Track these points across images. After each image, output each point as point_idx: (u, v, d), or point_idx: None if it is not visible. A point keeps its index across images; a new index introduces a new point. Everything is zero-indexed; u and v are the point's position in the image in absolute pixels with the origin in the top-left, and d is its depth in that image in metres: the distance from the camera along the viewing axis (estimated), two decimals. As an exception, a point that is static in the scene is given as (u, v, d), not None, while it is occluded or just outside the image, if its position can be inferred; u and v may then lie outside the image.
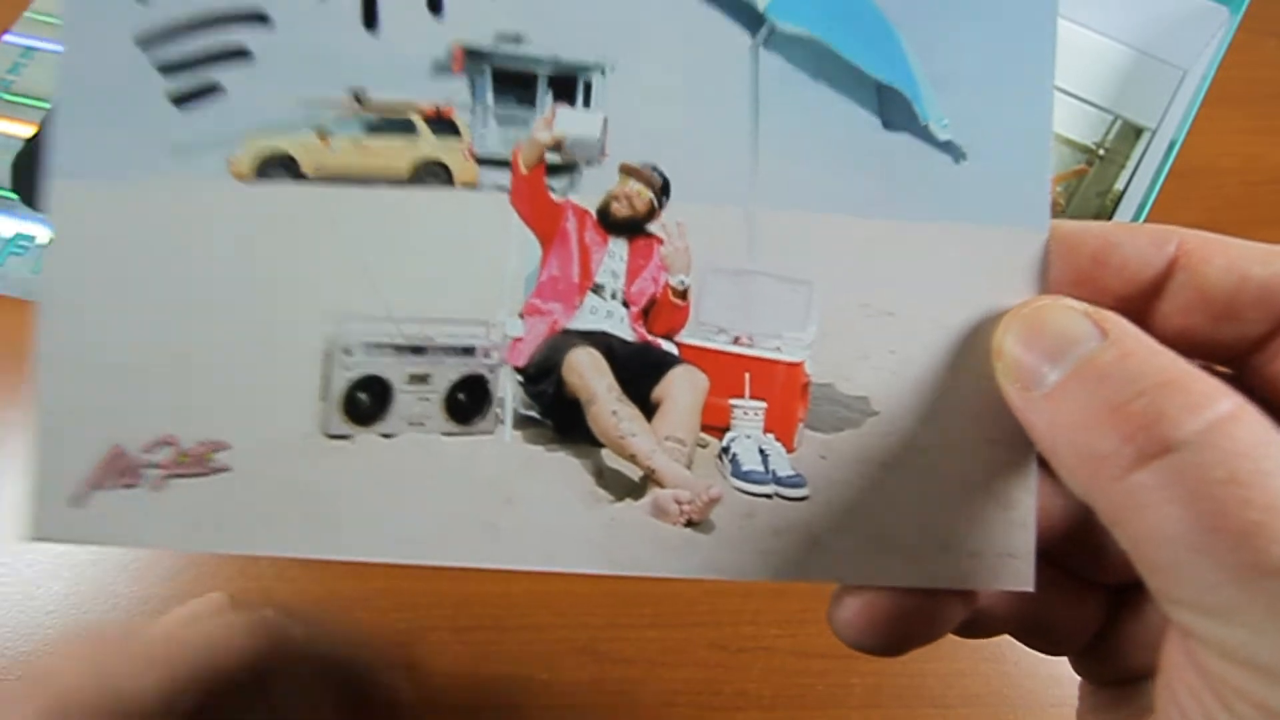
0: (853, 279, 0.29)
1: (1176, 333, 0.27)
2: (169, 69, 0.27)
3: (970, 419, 0.28)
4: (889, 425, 0.28)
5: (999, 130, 0.28)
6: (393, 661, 0.50)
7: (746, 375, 0.29)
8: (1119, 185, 0.64)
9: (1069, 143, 0.66)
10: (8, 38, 0.68)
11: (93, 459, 0.26)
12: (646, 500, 0.28)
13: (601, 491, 0.28)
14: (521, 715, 0.49)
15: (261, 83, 0.27)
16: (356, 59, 0.28)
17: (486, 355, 0.29)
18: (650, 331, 0.30)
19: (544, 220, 0.29)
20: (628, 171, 0.29)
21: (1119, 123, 0.67)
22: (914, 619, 0.28)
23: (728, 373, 0.29)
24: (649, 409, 0.29)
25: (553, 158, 0.29)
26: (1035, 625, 0.31)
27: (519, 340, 0.29)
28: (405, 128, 0.29)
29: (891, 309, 0.29)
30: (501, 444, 0.29)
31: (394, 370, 0.29)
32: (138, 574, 0.51)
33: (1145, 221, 0.62)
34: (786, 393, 0.29)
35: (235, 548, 0.27)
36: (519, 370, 0.29)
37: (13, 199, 0.62)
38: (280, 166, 0.28)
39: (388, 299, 0.28)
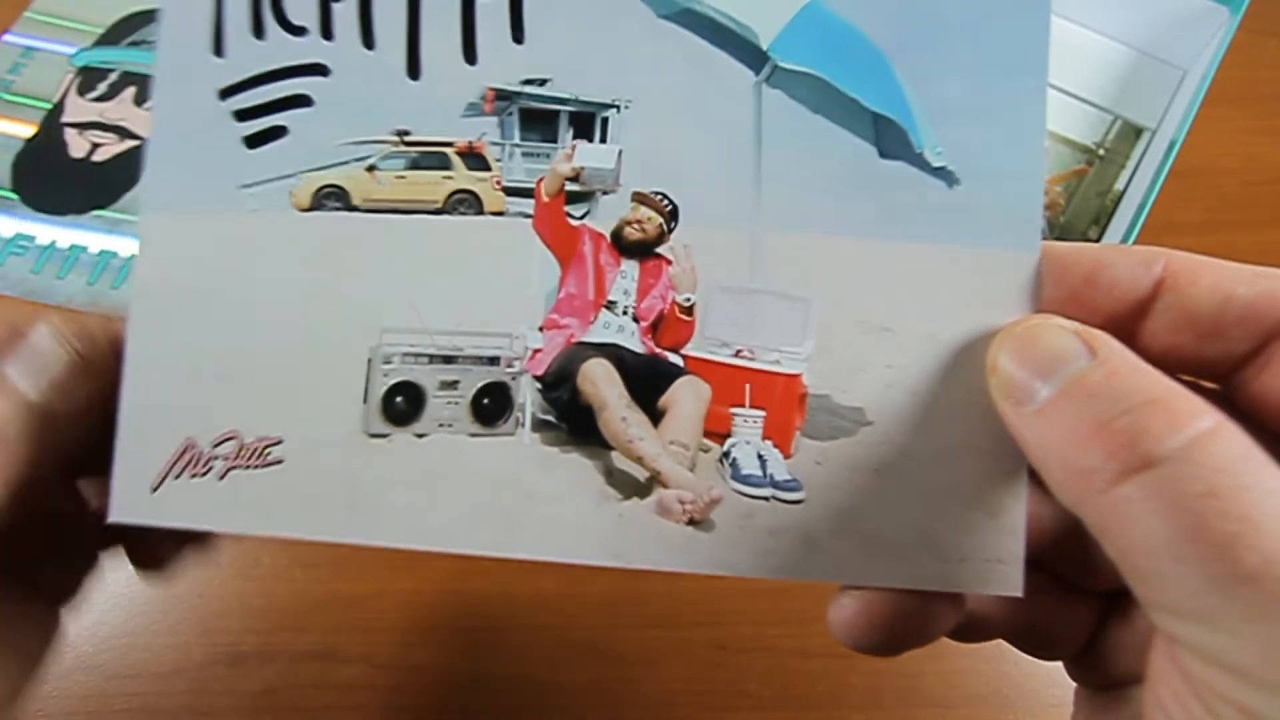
0: (850, 297, 0.30)
1: (1164, 350, 0.28)
2: (242, 115, 0.31)
3: (962, 430, 0.29)
4: (882, 435, 0.30)
5: (991, 157, 0.30)
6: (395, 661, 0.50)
7: (747, 386, 0.31)
8: (1119, 185, 0.63)
9: (1069, 143, 0.65)
10: (8, 38, 0.68)
11: (168, 451, 0.30)
12: (652, 499, 0.30)
13: (611, 490, 0.30)
14: (521, 715, 0.49)
15: (320, 125, 0.31)
16: (401, 103, 0.31)
17: (509, 365, 0.31)
18: (658, 345, 0.32)
19: (563, 243, 0.32)
20: (640, 199, 0.31)
21: (1119, 123, 0.66)
22: (908, 621, 0.29)
23: (730, 383, 0.31)
24: (656, 416, 0.31)
25: (572, 187, 0.31)
26: (1028, 630, 0.32)
27: (538, 351, 0.31)
28: (442, 162, 0.32)
29: (887, 325, 0.30)
30: (521, 445, 0.31)
31: (427, 377, 0.32)
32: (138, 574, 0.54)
33: (1145, 222, 0.60)
34: (785, 403, 0.31)
35: (286, 532, 0.30)
36: (538, 378, 0.32)
37: (13, 199, 0.62)
38: (333, 197, 0.31)
39: (423, 314, 0.31)
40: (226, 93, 0.31)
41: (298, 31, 0.31)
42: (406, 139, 0.31)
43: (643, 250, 0.32)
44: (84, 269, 0.61)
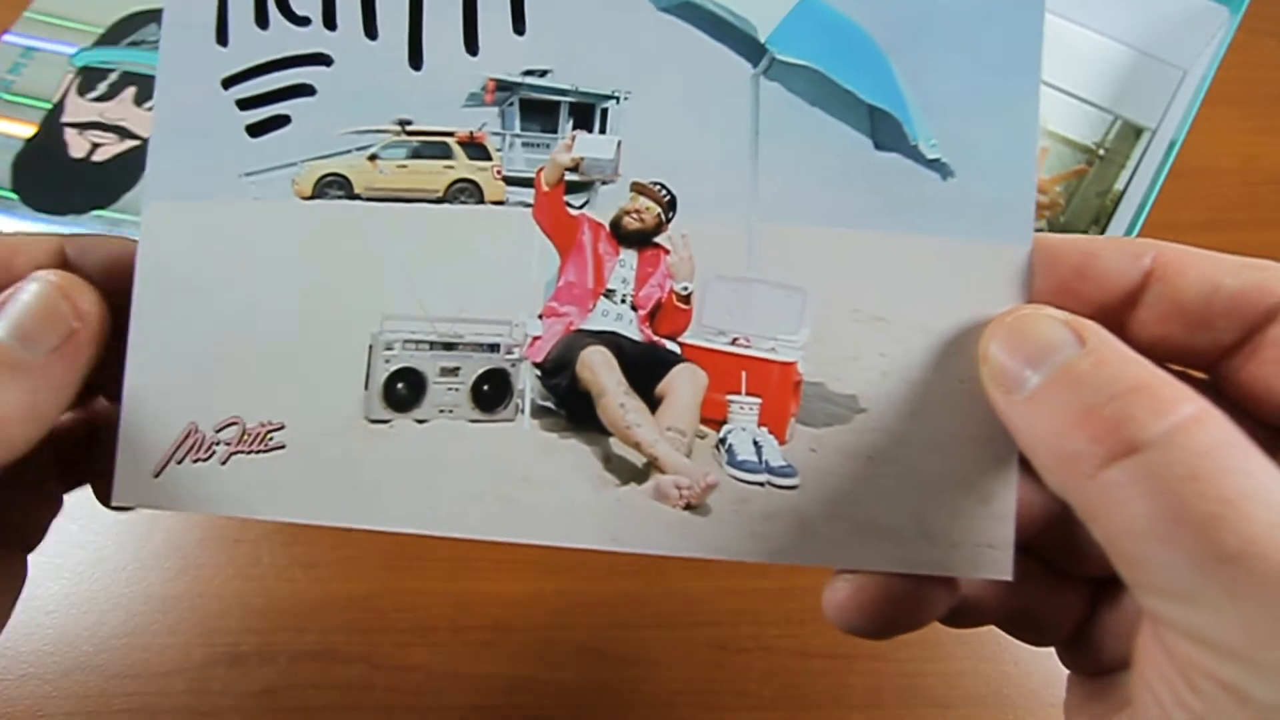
0: (845, 287, 0.31)
1: (1154, 340, 0.29)
2: (245, 104, 0.31)
3: (954, 418, 0.30)
4: (876, 422, 0.30)
5: (985, 150, 0.30)
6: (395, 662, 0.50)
7: (743, 373, 0.31)
8: (1119, 185, 0.64)
9: (1069, 143, 0.65)
10: (8, 38, 0.67)
11: (171, 436, 0.30)
12: (649, 485, 0.30)
13: (609, 475, 0.31)
14: (521, 715, 0.49)
15: (322, 114, 0.31)
16: (403, 93, 0.31)
17: (509, 352, 0.32)
18: (656, 332, 0.33)
19: (562, 232, 0.32)
20: (638, 189, 0.31)
21: (1119, 123, 0.66)
22: (900, 604, 0.30)
23: (726, 371, 0.32)
24: (653, 403, 0.32)
25: (572, 177, 0.32)
26: (1019, 616, 0.32)
27: (538, 338, 0.32)
28: (443, 152, 0.32)
29: (881, 315, 0.31)
30: (521, 431, 0.31)
31: (428, 364, 0.32)
32: (137, 574, 0.52)
33: (1145, 222, 0.61)
34: (780, 390, 0.31)
35: (287, 516, 0.30)
36: (537, 365, 0.32)
37: (13, 199, 0.61)
38: (335, 186, 0.32)
39: (424, 301, 0.31)
40: (230, 82, 0.31)
41: (301, 21, 0.31)
42: (408, 128, 0.31)
43: (641, 239, 0.32)
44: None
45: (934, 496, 0.30)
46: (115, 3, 0.71)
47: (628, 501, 0.30)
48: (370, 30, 0.31)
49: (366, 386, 0.31)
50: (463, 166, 0.33)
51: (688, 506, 0.30)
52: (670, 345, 0.32)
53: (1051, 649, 0.33)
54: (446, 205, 0.32)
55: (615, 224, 0.32)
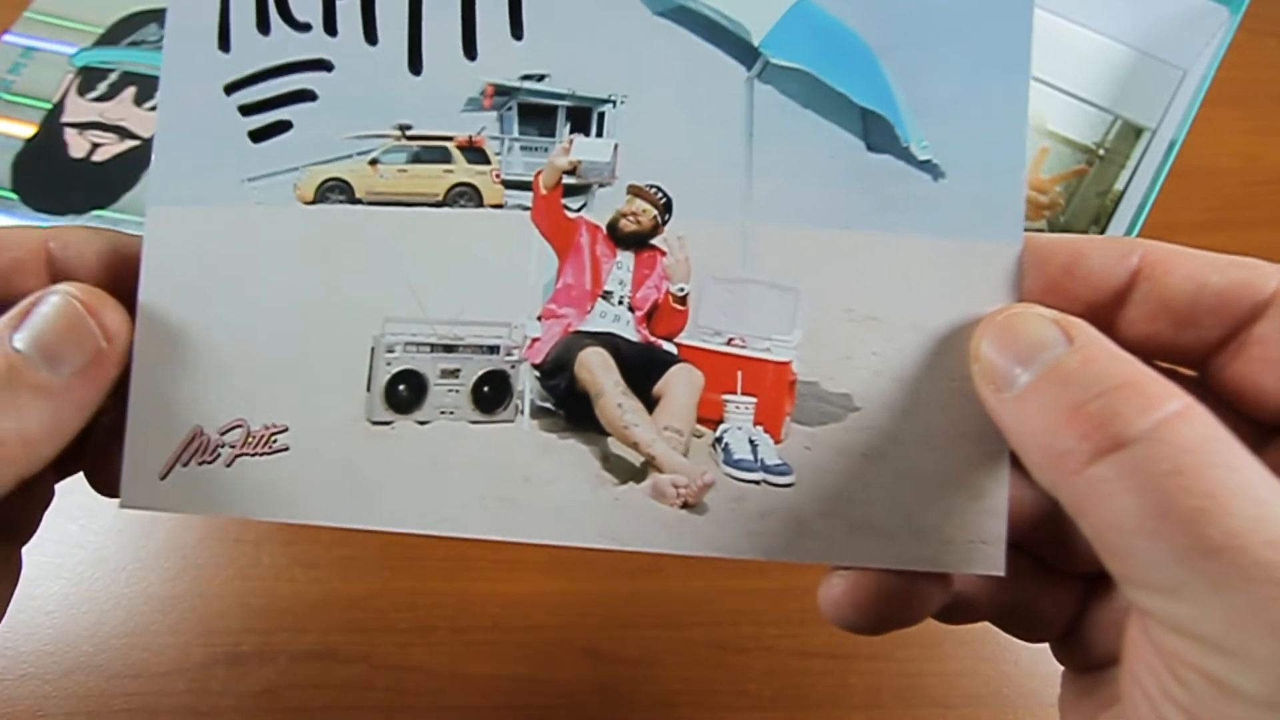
0: (838, 287, 0.31)
1: (1142, 338, 0.29)
2: (247, 110, 0.32)
3: (946, 416, 0.30)
4: (870, 420, 0.30)
5: (975, 151, 0.31)
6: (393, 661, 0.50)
7: (739, 373, 0.32)
8: (1119, 185, 0.64)
9: (1069, 143, 0.65)
10: (8, 38, 0.67)
11: (176, 439, 0.31)
12: (647, 484, 0.31)
13: (607, 475, 0.31)
14: (521, 715, 0.49)
15: (324, 120, 0.32)
16: (403, 98, 0.32)
17: (508, 353, 0.32)
18: (653, 333, 0.33)
19: (560, 235, 0.32)
20: (635, 192, 0.32)
21: (1119, 123, 0.66)
22: (894, 600, 0.30)
23: (722, 371, 0.32)
24: (650, 403, 0.32)
25: (569, 180, 0.32)
26: (1012, 612, 0.32)
27: (537, 340, 0.32)
28: (443, 156, 0.33)
29: (874, 314, 0.31)
30: (520, 431, 0.32)
31: (429, 366, 0.32)
32: (137, 574, 0.52)
33: (1145, 222, 0.61)
34: (775, 389, 0.32)
35: (291, 517, 0.31)
36: (536, 367, 0.32)
37: (13, 199, 0.61)
38: (337, 190, 0.32)
39: (425, 304, 0.31)
40: (232, 88, 0.32)
41: (302, 27, 0.32)
42: (408, 133, 0.32)
43: (638, 241, 0.33)
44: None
45: (927, 493, 0.30)
46: (115, 3, 0.71)
47: (626, 500, 0.31)
48: (370, 36, 0.32)
49: (368, 388, 0.31)
50: (462, 170, 0.33)
51: (685, 505, 0.31)
52: (667, 346, 0.33)
53: (1048, 647, 0.34)
54: (446, 209, 0.33)
55: (612, 226, 0.33)
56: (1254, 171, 0.67)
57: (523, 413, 0.32)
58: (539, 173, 0.32)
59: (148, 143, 0.66)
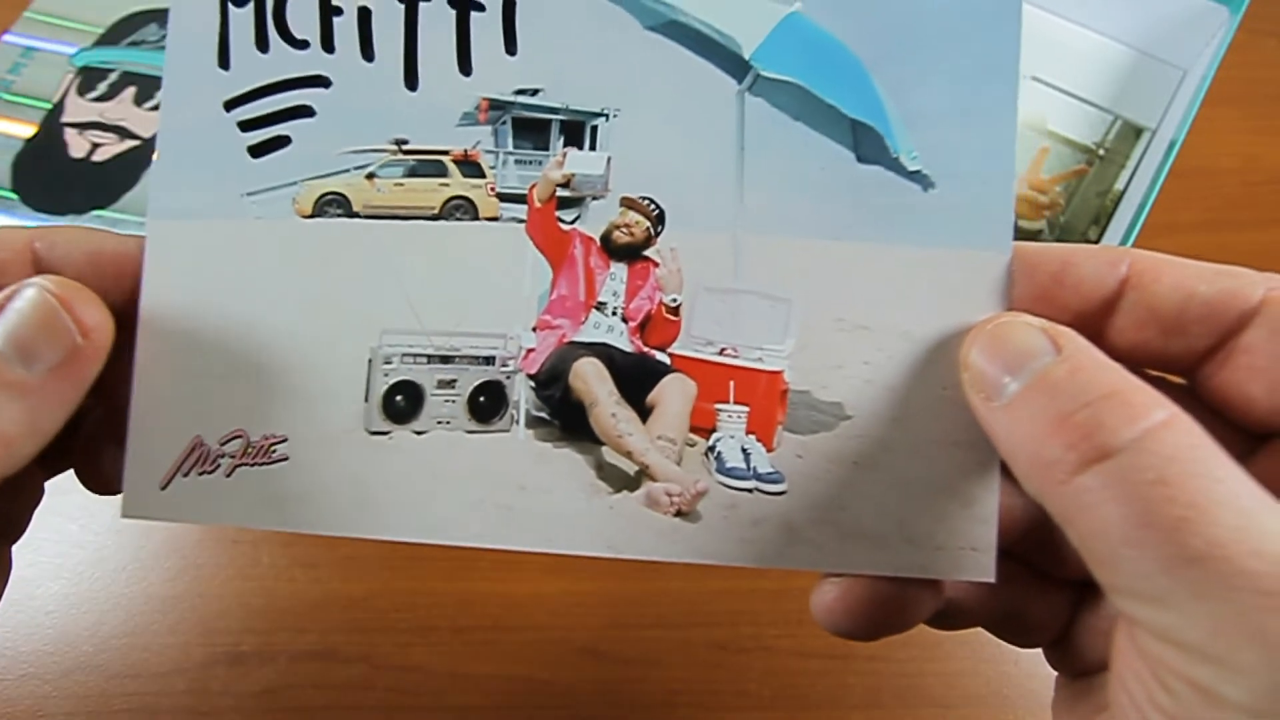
0: (829, 297, 0.32)
1: (1131, 347, 0.29)
2: (247, 126, 0.32)
3: (936, 424, 0.30)
4: (861, 428, 0.31)
5: (965, 161, 0.31)
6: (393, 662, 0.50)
7: (731, 383, 0.32)
8: (1119, 185, 0.64)
9: (1069, 143, 0.66)
10: (8, 38, 0.67)
11: (177, 449, 0.31)
12: (641, 492, 0.31)
13: (601, 484, 0.31)
14: (521, 715, 0.49)
15: (322, 135, 0.32)
16: (399, 113, 0.32)
17: (504, 364, 0.33)
18: (646, 344, 0.33)
19: (554, 247, 0.33)
20: (628, 204, 0.32)
21: (1119, 123, 0.66)
22: (886, 606, 0.31)
23: (714, 380, 0.32)
24: (644, 412, 0.32)
25: (563, 193, 0.32)
26: (1004, 618, 0.33)
27: (532, 351, 0.33)
28: (439, 170, 0.33)
29: (865, 324, 0.31)
30: (516, 441, 0.32)
31: (425, 377, 0.33)
32: (137, 574, 0.52)
33: (1145, 222, 0.61)
34: (767, 398, 0.32)
35: (290, 526, 0.31)
36: (531, 377, 0.33)
37: (13, 199, 0.61)
38: (335, 204, 0.33)
39: (421, 315, 0.32)
40: (231, 104, 0.32)
41: (300, 45, 0.32)
42: (404, 147, 0.32)
43: (631, 253, 0.33)
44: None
45: (918, 501, 0.30)
46: (115, 3, 0.71)
47: (620, 509, 0.31)
48: (367, 53, 0.32)
49: (366, 399, 0.32)
50: (457, 184, 0.33)
51: (678, 513, 0.31)
52: (660, 356, 0.33)
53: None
54: (442, 222, 0.33)
55: (606, 238, 0.33)
56: (1254, 171, 0.67)
57: (518, 422, 0.33)
58: (533, 186, 0.33)
59: (148, 143, 0.66)
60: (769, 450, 0.32)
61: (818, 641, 0.50)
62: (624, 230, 0.33)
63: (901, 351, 0.31)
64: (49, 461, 0.33)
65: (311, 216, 0.32)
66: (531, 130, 0.33)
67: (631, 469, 0.32)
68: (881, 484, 0.31)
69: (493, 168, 0.33)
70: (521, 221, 0.33)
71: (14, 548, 0.34)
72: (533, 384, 0.33)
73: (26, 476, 0.31)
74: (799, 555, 0.31)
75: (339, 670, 0.50)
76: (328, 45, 0.32)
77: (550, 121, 0.33)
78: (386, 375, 0.32)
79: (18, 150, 0.64)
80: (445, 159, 0.33)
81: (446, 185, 0.33)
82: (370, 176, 0.33)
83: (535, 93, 0.32)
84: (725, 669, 0.50)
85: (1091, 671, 0.31)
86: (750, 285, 0.32)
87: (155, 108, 0.67)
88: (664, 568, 0.53)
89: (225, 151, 0.32)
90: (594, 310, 0.34)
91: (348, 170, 0.33)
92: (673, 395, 0.32)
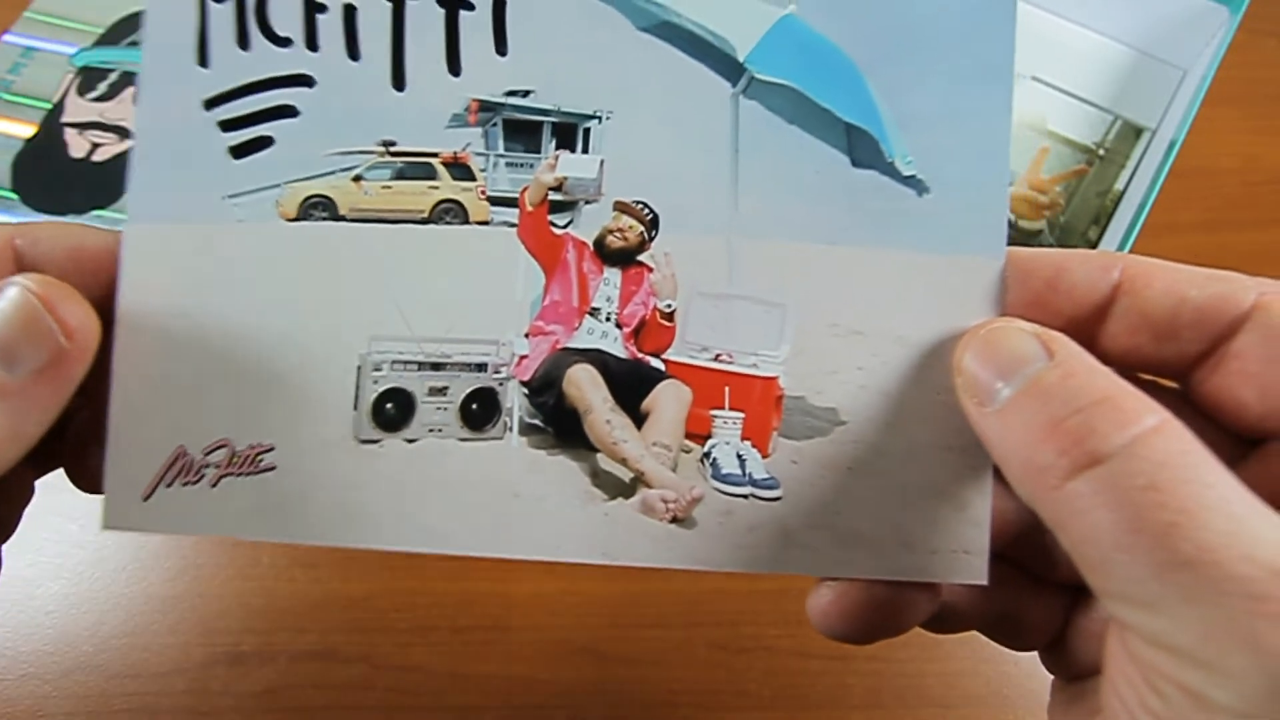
0: (823, 302, 0.31)
1: (1124, 352, 0.29)
2: (228, 126, 0.31)
3: (930, 429, 0.30)
4: (855, 434, 0.31)
5: (959, 166, 0.31)
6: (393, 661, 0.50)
7: (726, 389, 0.32)
8: (1119, 185, 0.64)
9: (1069, 143, 0.66)
10: (8, 38, 0.67)
11: (159, 460, 0.31)
12: (636, 499, 0.31)
13: (596, 491, 0.31)
14: (521, 715, 0.49)
15: (306, 136, 0.31)
16: (386, 114, 0.31)
17: (496, 371, 0.32)
18: (640, 350, 0.33)
19: (547, 252, 0.32)
20: (621, 208, 0.32)
21: (1119, 123, 0.66)
22: (881, 610, 0.31)
23: (709, 386, 0.32)
24: (639, 419, 0.32)
25: (555, 196, 0.32)
26: (999, 621, 0.33)
27: (525, 357, 0.32)
28: (427, 172, 0.32)
29: (859, 329, 0.31)
30: (509, 448, 0.32)
31: (416, 384, 0.32)
32: (137, 574, 0.52)
33: (1145, 222, 0.61)
34: (762, 404, 0.32)
35: (278, 537, 0.31)
36: (524, 384, 0.32)
37: (13, 199, 0.61)
38: (320, 207, 0.32)
39: (411, 321, 0.31)
40: (212, 103, 0.31)
41: (282, 42, 0.31)
42: (392, 149, 0.32)
43: (625, 258, 0.33)
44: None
45: (912, 505, 0.30)
46: (115, 3, 0.70)
47: (615, 516, 0.31)
48: (353, 51, 0.31)
49: (355, 407, 0.31)
50: (447, 187, 0.33)
51: (674, 520, 0.31)
52: (655, 362, 0.33)
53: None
54: (432, 226, 0.33)
55: (599, 243, 0.33)
56: (1254, 171, 0.67)
57: (511, 430, 0.32)
58: (525, 189, 0.32)
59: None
60: (764, 456, 0.31)
61: (818, 642, 0.49)
62: (618, 235, 0.32)
63: (896, 356, 0.31)
64: (38, 460, 0.32)
65: (296, 220, 0.32)
66: (523, 132, 0.32)
67: (627, 476, 0.32)
68: (876, 488, 0.31)
69: (483, 170, 0.33)
70: (513, 225, 0.32)
71: (14, 548, 0.34)
72: (526, 391, 0.33)
73: (14, 477, 0.30)
74: (795, 560, 0.31)
75: (339, 670, 0.50)
76: (311, 43, 0.31)
77: (542, 123, 0.32)
78: (376, 382, 0.32)
79: (18, 150, 0.64)
80: (434, 161, 0.32)
81: (436, 188, 0.33)
82: (357, 179, 0.32)
83: (527, 94, 0.32)
84: (725, 669, 0.50)
85: (1086, 675, 0.31)
86: (745, 290, 0.32)
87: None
88: (664, 569, 0.53)
89: (206, 152, 0.31)
90: (588, 316, 0.33)
91: (333, 172, 0.32)
92: (668, 402, 0.32)
